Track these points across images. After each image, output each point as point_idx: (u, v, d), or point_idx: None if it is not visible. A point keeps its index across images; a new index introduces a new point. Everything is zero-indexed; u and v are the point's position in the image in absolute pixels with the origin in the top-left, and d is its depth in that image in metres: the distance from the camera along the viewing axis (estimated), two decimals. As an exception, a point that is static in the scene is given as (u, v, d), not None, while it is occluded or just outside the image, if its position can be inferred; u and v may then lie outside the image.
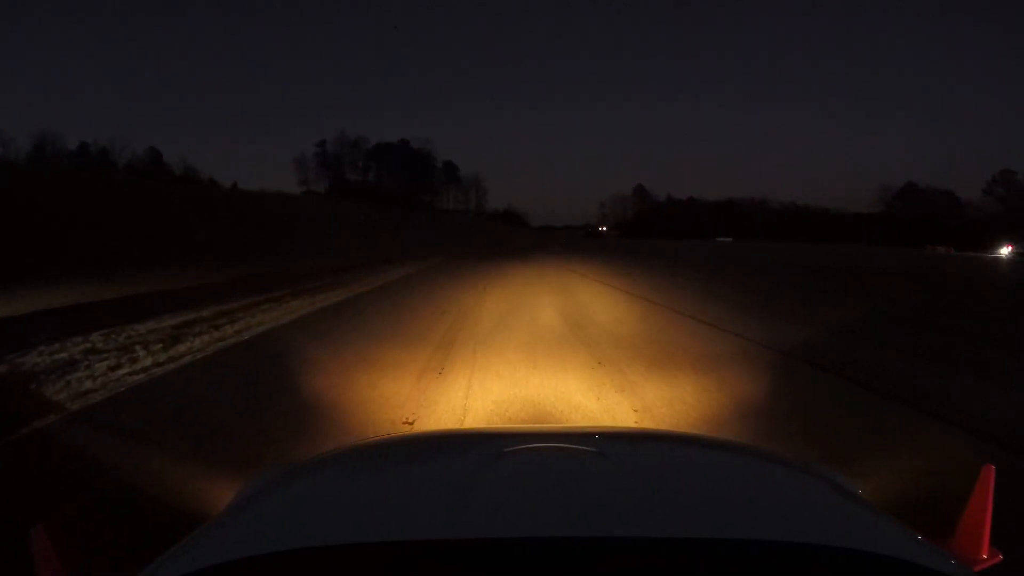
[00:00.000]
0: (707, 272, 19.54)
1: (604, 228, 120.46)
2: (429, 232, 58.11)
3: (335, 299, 10.13)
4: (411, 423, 3.36)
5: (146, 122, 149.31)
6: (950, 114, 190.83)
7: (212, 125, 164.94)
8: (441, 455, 1.04)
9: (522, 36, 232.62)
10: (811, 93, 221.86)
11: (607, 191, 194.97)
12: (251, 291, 10.79)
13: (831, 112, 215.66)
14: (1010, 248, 51.64)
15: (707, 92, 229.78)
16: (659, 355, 5.29)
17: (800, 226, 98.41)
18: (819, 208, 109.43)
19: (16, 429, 3.32)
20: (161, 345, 5.77)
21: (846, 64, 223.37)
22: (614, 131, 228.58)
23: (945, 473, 2.69)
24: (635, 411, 3.61)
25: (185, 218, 24.97)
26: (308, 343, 5.95)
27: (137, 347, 5.64)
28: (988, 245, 55.48)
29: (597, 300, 10.10)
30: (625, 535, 0.61)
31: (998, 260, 37.53)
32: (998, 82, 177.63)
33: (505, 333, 6.41)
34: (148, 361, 5.13)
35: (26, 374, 4.57)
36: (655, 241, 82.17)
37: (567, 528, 0.63)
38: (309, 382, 4.25)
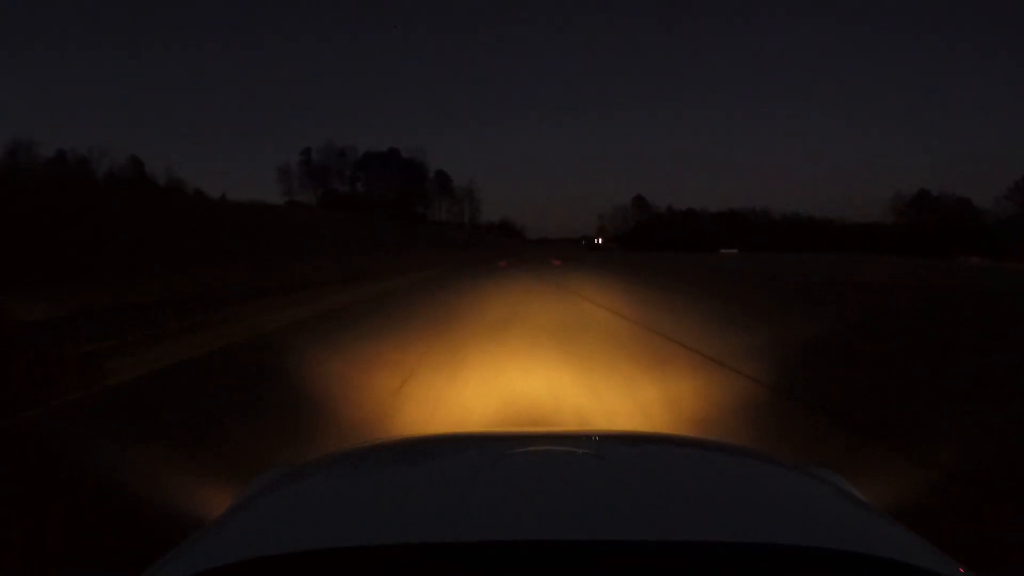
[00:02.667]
0: (732, 292, 15.82)
1: (600, 240, 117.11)
2: (419, 245, 54.78)
3: (214, 344, 6.25)
4: None
5: (127, 130, 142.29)
6: (960, 120, 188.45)
7: (196, 134, 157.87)
8: (440, 458, 1.04)
9: (516, 43, 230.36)
10: (815, 100, 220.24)
11: (605, 203, 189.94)
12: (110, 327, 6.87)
13: (836, 120, 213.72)
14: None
15: (707, 101, 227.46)
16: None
17: (806, 236, 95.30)
18: (824, 218, 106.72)
19: None
20: None
21: (851, 71, 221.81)
22: (612, 141, 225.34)
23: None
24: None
25: (143, 230, 21.00)
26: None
27: None
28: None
29: (620, 352, 6.27)
30: (624, 538, 0.61)
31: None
32: (1008, 86, 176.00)
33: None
34: None
35: None
36: (657, 254, 78.66)
37: (566, 531, 0.62)
38: None
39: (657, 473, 0.89)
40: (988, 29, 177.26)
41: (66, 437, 3.42)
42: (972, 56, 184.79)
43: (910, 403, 4.20)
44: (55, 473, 2.78)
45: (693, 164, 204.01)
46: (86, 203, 21.00)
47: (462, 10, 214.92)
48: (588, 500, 0.72)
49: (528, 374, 4.89)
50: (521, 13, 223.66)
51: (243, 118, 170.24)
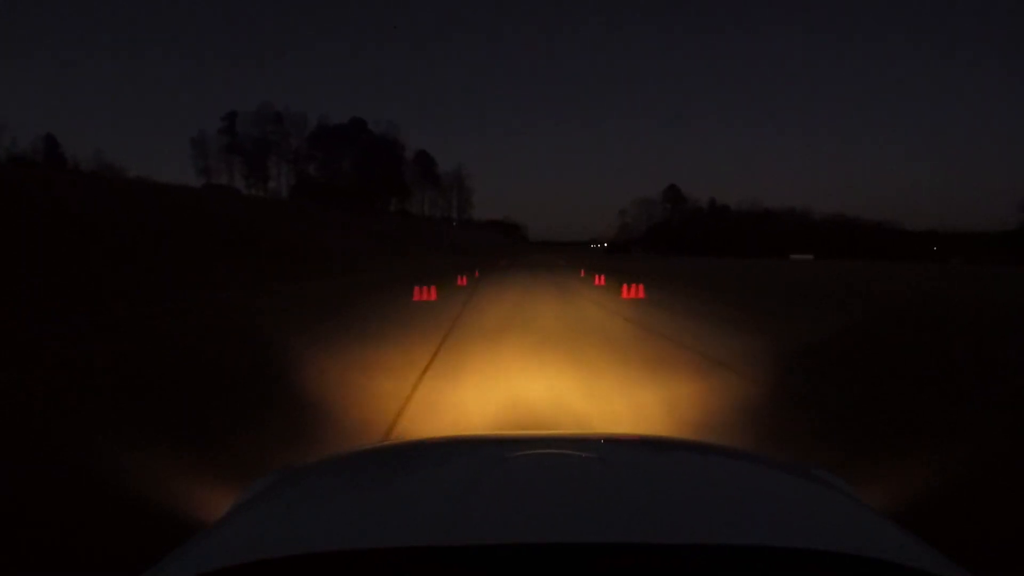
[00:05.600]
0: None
1: (606, 244, 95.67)
2: (386, 247, 36.71)
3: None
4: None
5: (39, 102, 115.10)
6: None
7: (101, 101, 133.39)
8: (442, 461, 1.03)
9: (521, 20, 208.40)
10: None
11: (616, 202, 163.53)
12: None
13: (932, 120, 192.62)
14: None
15: (736, 93, 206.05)
16: None
17: (882, 243, 74.59)
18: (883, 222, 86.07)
19: None
20: None
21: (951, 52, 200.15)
22: (625, 136, 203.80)
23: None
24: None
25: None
26: None
27: None
28: None
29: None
30: (626, 541, 0.61)
31: None
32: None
33: None
34: None
35: None
36: (710, 261, 57.68)
37: (568, 534, 0.63)
38: None
39: (658, 476, 0.90)
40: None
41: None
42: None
43: None
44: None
45: (721, 160, 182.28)
46: None
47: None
48: (590, 503, 0.72)
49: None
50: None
51: (156, 79, 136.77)
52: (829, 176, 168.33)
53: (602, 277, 18.91)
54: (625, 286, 12.96)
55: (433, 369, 4.76)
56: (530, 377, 4.47)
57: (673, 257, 67.07)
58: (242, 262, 17.45)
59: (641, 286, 12.93)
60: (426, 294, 11.30)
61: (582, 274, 22.95)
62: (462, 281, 16.74)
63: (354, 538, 0.63)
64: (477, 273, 22.07)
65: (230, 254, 18.11)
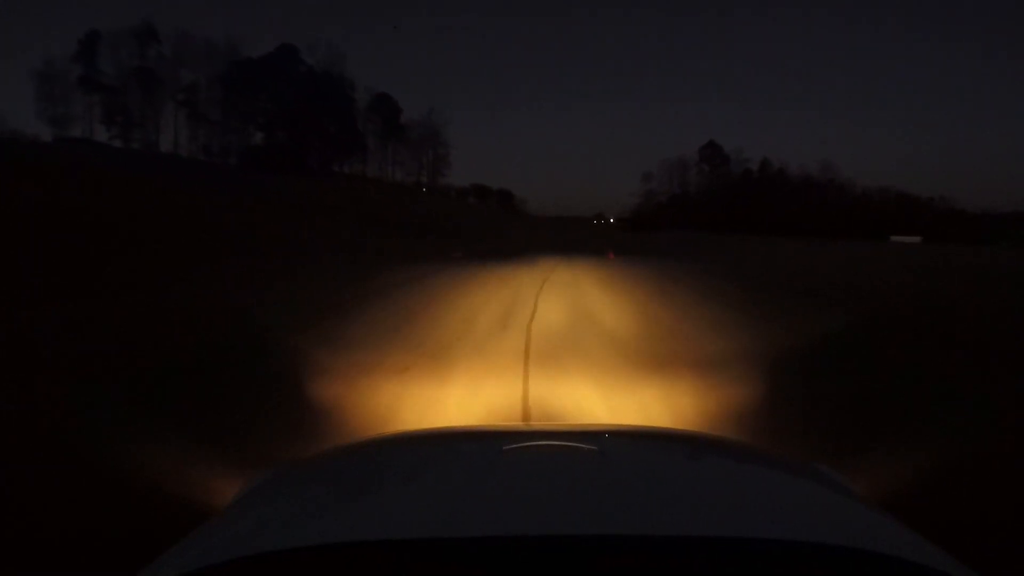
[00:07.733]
0: None
1: (612, 220, 77.96)
2: (309, 226, 24.53)
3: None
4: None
5: None
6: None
7: None
8: (441, 453, 1.03)
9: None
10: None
11: (638, 167, 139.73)
12: None
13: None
14: None
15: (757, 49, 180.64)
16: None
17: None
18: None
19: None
20: None
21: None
22: (650, 87, 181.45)
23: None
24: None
25: None
26: None
27: None
28: None
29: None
30: (624, 533, 0.61)
31: None
32: None
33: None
34: None
35: None
36: (786, 241, 40.20)
37: (567, 526, 0.63)
38: None
39: (658, 469, 0.90)
40: None
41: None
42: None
43: None
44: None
45: (784, 109, 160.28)
46: None
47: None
48: (589, 496, 0.73)
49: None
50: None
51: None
52: (873, 145, 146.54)
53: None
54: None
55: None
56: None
57: (718, 233, 49.47)
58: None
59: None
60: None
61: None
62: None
63: (355, 531, 0.63)
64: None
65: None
